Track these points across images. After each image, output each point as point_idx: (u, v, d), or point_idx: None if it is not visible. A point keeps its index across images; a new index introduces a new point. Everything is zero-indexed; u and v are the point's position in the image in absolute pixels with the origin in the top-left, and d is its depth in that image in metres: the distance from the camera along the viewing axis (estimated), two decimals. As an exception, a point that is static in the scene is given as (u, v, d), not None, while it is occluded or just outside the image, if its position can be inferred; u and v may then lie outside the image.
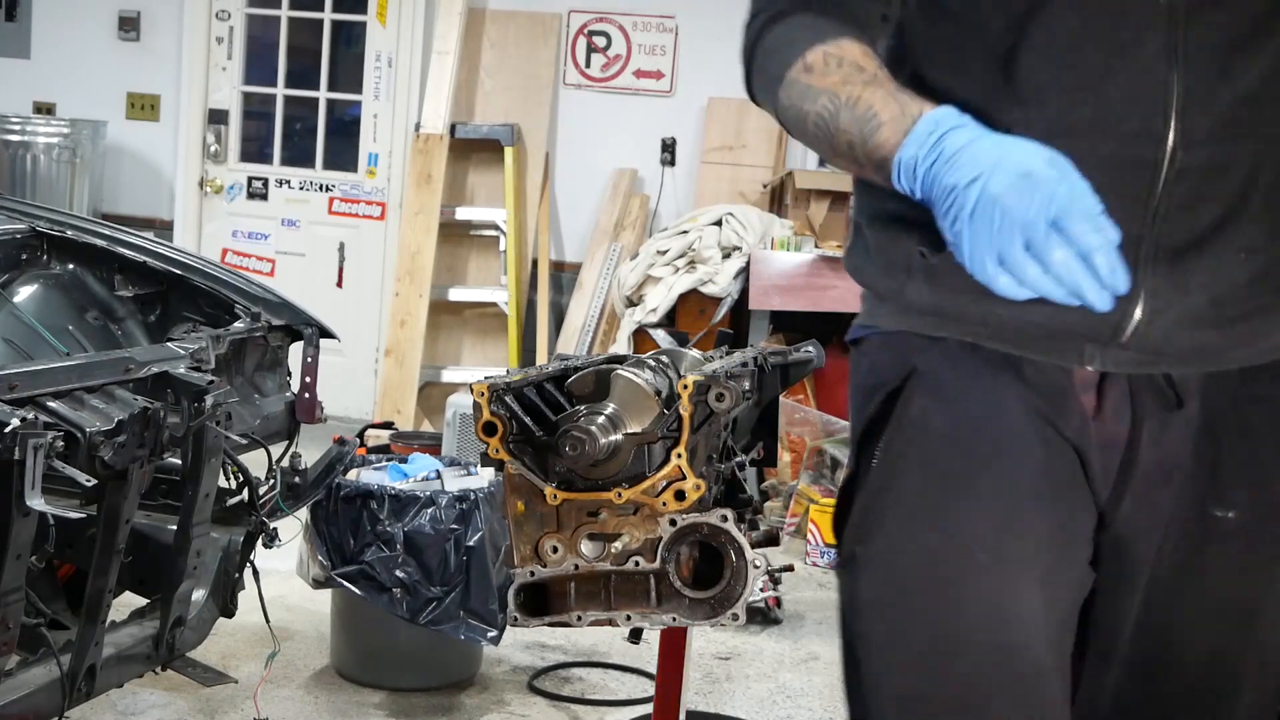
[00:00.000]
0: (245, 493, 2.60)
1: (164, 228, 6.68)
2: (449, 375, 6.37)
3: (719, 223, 5.73)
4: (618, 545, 1.74)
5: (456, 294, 6.42)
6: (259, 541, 2.67)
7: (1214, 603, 1.44)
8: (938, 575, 1.40)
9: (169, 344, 2.49)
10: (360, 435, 4.09)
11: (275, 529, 2.68)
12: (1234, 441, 1.42)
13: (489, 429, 1.73)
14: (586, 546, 1.76)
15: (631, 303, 5.76)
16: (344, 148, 6.71)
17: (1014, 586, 1.38)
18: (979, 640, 1.38)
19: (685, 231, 5.78)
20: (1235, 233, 1.35)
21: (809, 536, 4.88)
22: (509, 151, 6.26)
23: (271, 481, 2.68)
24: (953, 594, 1.39)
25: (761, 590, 4.13)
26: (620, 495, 1.72)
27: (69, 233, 2.93)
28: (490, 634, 3.20)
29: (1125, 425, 1.41)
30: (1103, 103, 1.33)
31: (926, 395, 1.44)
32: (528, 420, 1.74)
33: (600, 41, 6.44)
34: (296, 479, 2.82)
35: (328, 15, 6.65)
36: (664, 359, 1.86)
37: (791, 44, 1.45)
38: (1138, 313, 1.35)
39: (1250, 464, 1.43)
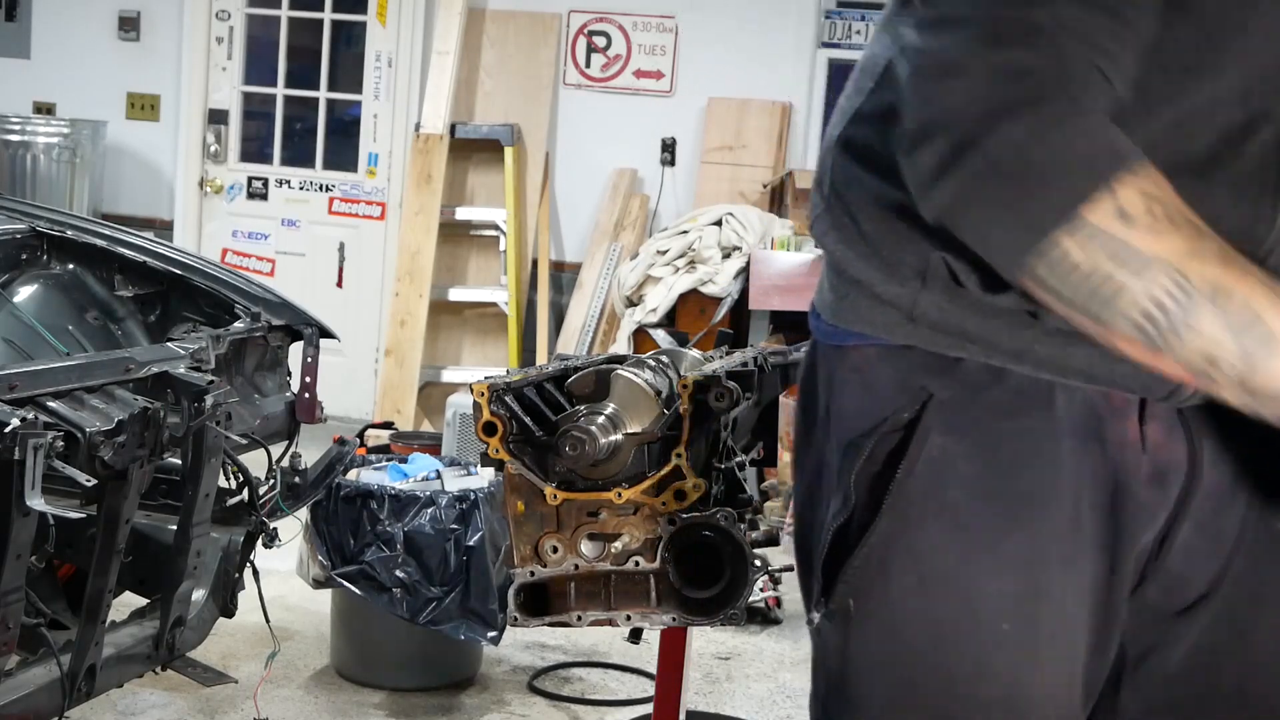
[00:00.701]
0: (245, 493, 2.60)
1: (164, 228, 6.68)
2: (449, 375, 6.37)
3: (719, 223, 5.73)
4: (618, 545, 1.75)
5: (456, 294, 6.42)
6: (259, 541, 2.67)
7: None
8: (955, 645, 1.25)
9: (169, 344, 2.49)
10: (360, 435, 4.09)
11: (275, 529, 2.68)
12: None
13: (489, 429, 1.73)
14: (586, 546, 1.76)
15: (631, 303, 5.76)
16: (344, 148, 6.71)
17: (1036, 662, 1.25)
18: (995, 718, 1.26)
19: (685, 231, 5.78)
20: None
21: (809, 536, 4.87)
22: (509, 151, 6.25)
23: (271, 481, 2.68)
24: (969, 668, 1.25)
25: (761, 590, 4.13)
26: (620, 495, 1.72)
27: (69, 233, 2.93)
28: (490, 634, 3.20)
29: (1183, 446, 1.25)
30: None
31: (947, 432, 1.23)
32: (528, 420, 1.74)
33: (600, 41, 6.45)
34: (296, 479, 2.82)
35: (328, 15, 6.65)
36: (664, 359, 1.86)
37: (1083, 160, 1.04)
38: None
39: None
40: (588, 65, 6.46)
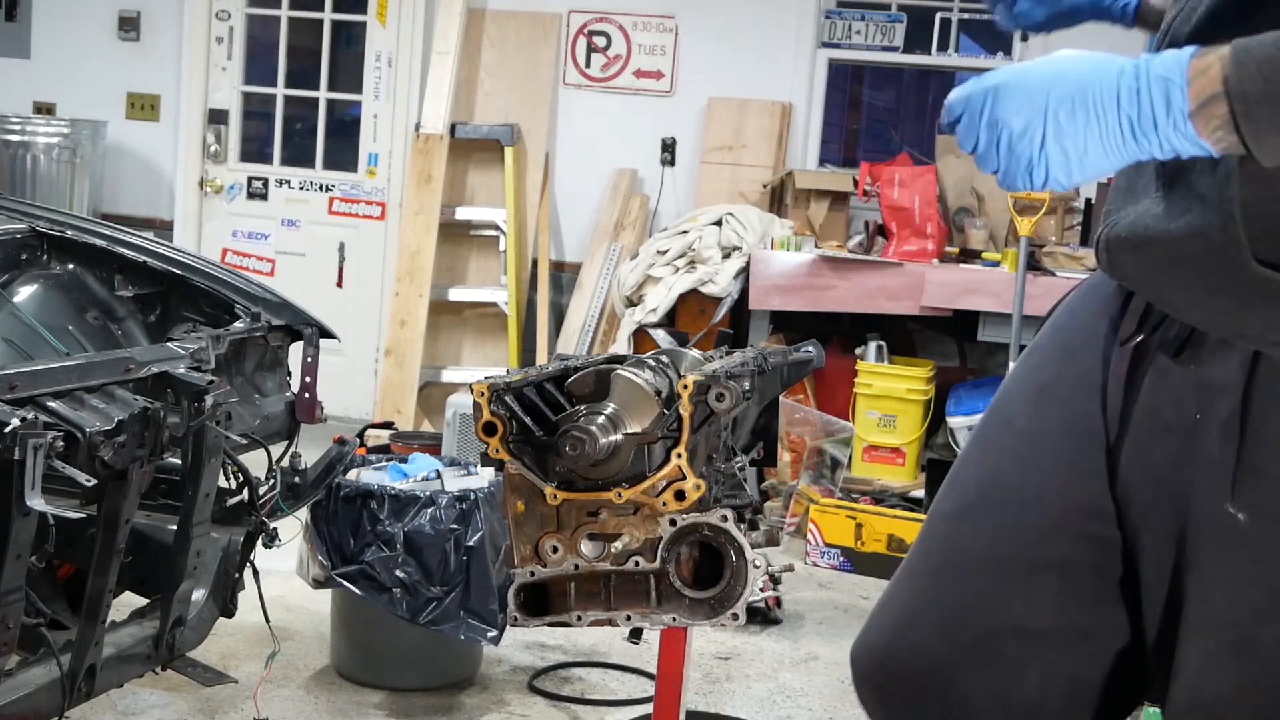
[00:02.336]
0: (245, 493, 2.60)
1: (164, 228, 6.68)
2: (449, 375, 6.37)
3: (719, 223, 5.73)
4: (618, 545, 1.75)
5: (456, 294, 6.42)
6: (259, 541, 2.67)
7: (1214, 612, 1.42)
8: (988, 431, 1.68)
9: (169, 344, 2.49)
10: (360, 435, 4.09)
11: (275, 529, 2.68)
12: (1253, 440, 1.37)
13: (489, 429, 1.73)
14: (586, 546, 1.76)
15: (631, 303, 5.76)
16: (344, 148, 6.71)
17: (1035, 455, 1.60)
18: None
19: (685, 231, 5.78)
20: None
21: (809, 536, 4.88)
22: (509, 151, 6.26)
23: (271, 481, 2.68)
24: (994, 444, 1.66)
25: (761, 590, 4.13)
26: (620, 495, 1.72)
27: (69, 233, 2.93)
28: (490, 634, 3.20)
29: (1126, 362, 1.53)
30: None
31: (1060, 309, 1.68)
32: (528, 420, 1.74)
33: (600, 41, 6.44)
34: (296, 479, 2.83)
35: (328, 15, 6.65)
36: (664, 359, 1.86)
37: None
38: None
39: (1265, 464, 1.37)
40: (588, 65, 6.46)
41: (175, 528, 2.44)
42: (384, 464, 3.49)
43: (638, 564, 1.75)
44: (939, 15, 6.21)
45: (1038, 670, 1.56)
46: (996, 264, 5.42)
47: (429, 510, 3.21)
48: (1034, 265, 5.27)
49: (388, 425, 5.01)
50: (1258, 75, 1.16)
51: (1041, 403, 1.61)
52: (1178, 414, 1.44)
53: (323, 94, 6.69)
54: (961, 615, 1.59)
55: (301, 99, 6.75)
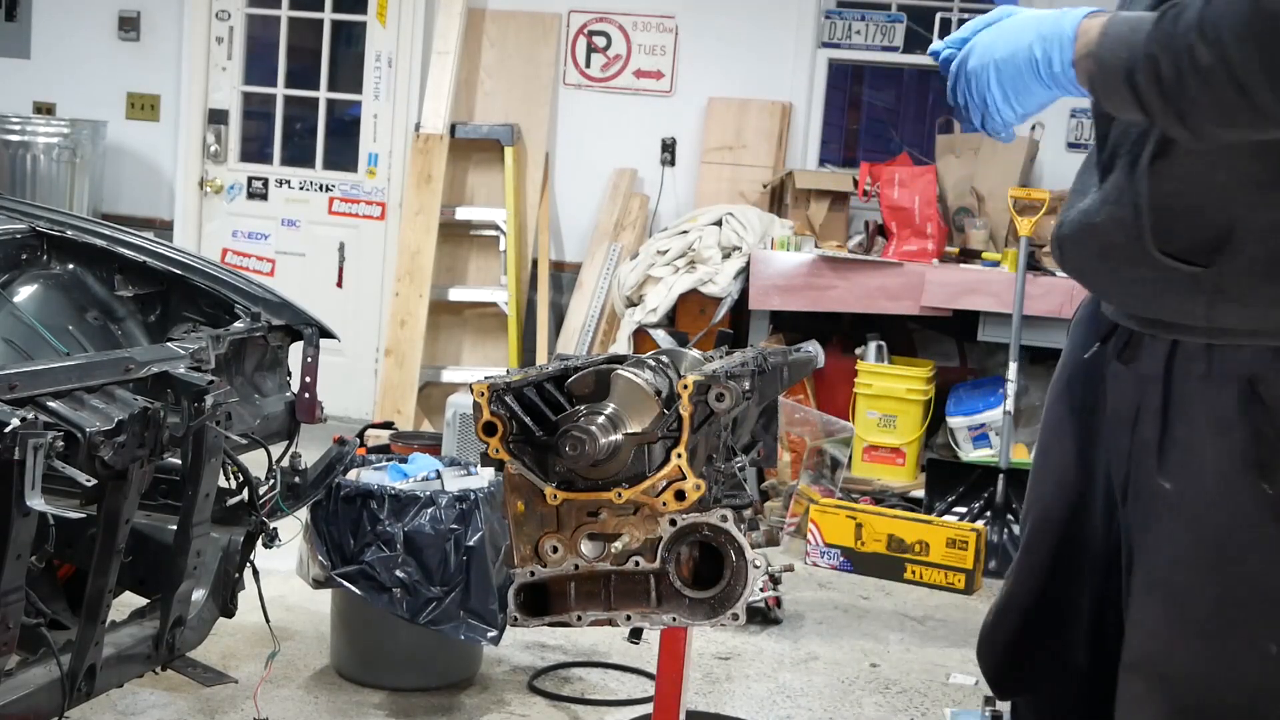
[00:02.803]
0: (245, 493, 2.60)
1: (164, 228, 6.68)
2: (449, 375, 6.37)
3: (719, 223, 5.73)
4: (618, 545, 1.75)
5: (456, 294, 6.42)
6: (259, 541, 2.67)
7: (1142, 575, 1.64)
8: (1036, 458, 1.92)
9: (169, 344, 2.49)
10: (360, 435, 4.09)
11: (275, 529, 2.68)
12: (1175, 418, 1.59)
13: (489, 429, 1.73)
14: (586, 546, 1.76)
15: (631, 303, 5.75)
16: (344, 148, 6.71)
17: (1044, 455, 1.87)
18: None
19: (685, 231, 5.78)
20: None
21: (809, 536, 4.88)
22: (509, 151, 6.26)
23: (271, 481, 2.68)
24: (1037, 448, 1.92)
25: (761, 590, 4.13)
26: (620, 495, 1.72)
27: (69, 233, 2.93)
28: (490, 634, 3.20)
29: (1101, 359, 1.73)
30: None
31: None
32: (528, 420, 1.74)
33: (600, 41, 6.44)
34: (296, 479, 2.83)
35: (328, 15, 6.65)
36: (664, 359, 1.86)
37: None
38: None
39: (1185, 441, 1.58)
40: (588, 65, 6.46)
41: (175, 528, 2.44)
42: (384, 464, 3.49)
43: (638, 564, 1.75)
44: (939, 15, 6.20)
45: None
46: (996, 264, 5.42)
47: (429, 510, 3.21)
48: (1034, 265, 5.26)
49: (388, 425, 5.00)
50: (1109, 46, 1.42)
51: (1047, 437, 1.88)
52: (1127, 408, 1.65)
53: (323, 94, 6.69)
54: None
55: (301, 99, 6.75)
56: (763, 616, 4.17)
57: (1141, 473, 1.61)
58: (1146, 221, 1.52)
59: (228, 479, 2.58)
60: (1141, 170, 1.52)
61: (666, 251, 5.73)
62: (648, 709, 3.00)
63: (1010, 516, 4.99)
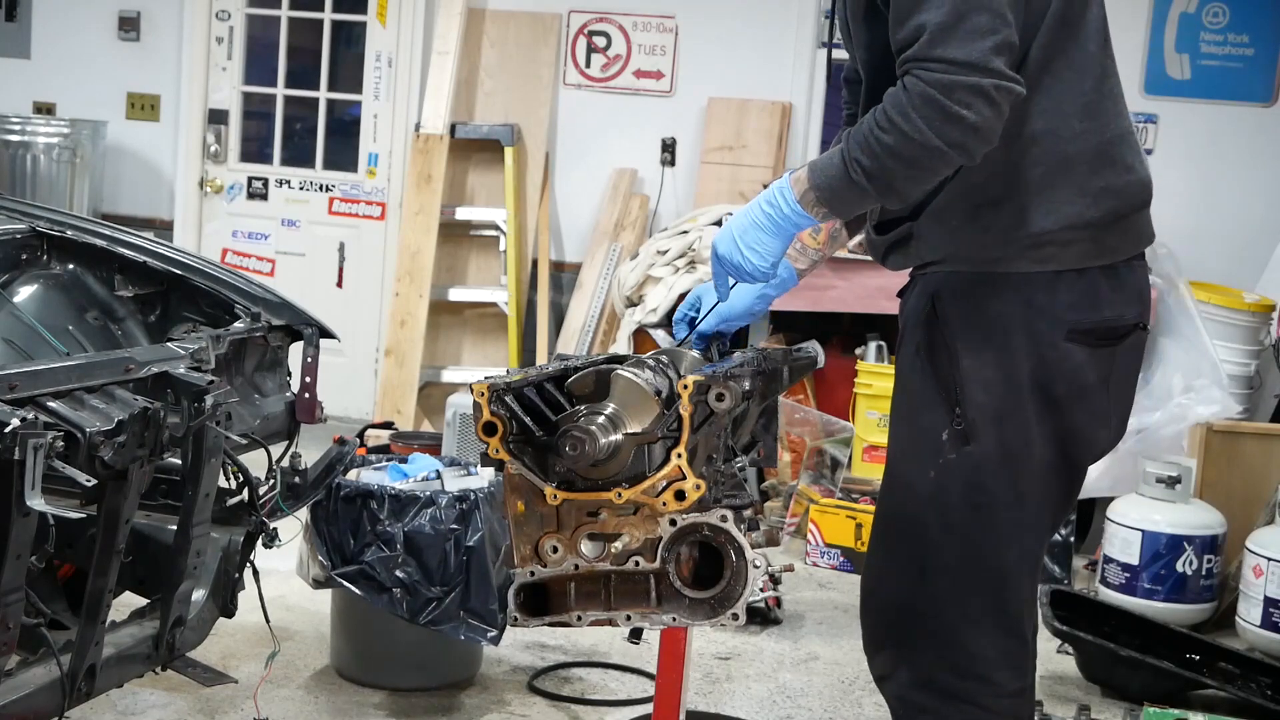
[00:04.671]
0: (245, 493, 2.60)
1: (164, 228, 6.68)
2: (449, 375, 6.37)
3: (719, 223, 5.73)
4: (618, 545, 1.75)
5: (456, 294, 6.42)
6: (259, 541, 2.67)
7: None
8: None
9: (169, 344, 2.49)
10: (360, 435, 4.09)
11: (275, 529, 2.68)
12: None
13: (489, 429, 1.73)
14: (586, 546, 1.76)
15: (631, 303, 5.75)
16: (344, 148, 6.71)
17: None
18: None
19: (685, 231, 5.78)
20: None
21: (809, 536, 4.88)
22: (509, 151, 6.26)
23: (271, 481, 2.68)
24: None
25: (761, 590, 4.13)
26: (620, 495, 1.72)
27: (69, 233, 2.93)
28: (490, 634, 3.20)
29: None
30: None
31: None
32: (528, 420, 1.74)
33: (600, 41, 6.45)
34: (296, 479, 2.82)
35: (328, 15, 6.65)
36: (664, 359, 1.86)
37: None
38: None
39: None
40: (588, 65, 6.46)
41: (175, 528, 2.44)
42: (384, 464, 3.49)
43: (638, 564, 1.75)
44: (939, 15, 6.20)
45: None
46: (996, 264, 5.41)
47: (429, 510, 3.21)
48: (1034, 265, 5.25)
49: (388, 425, 5.00)
50: (819, 175, 1.92)
51: None
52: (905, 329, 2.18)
53: (323, 94, 6.69)
54: None
55: (301, 99, 6.75)
56: (763, 616, 4.17)
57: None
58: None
59: (228, 479, 2.57)
60: None
61: (666, 251, 5.73)
62: (648, 709, 3.00)
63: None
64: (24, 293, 2.87)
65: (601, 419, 1.69)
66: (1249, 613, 4.06)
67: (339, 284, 6.67)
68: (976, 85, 1.78)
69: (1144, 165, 2.06)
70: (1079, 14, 1.98)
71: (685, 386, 1.70)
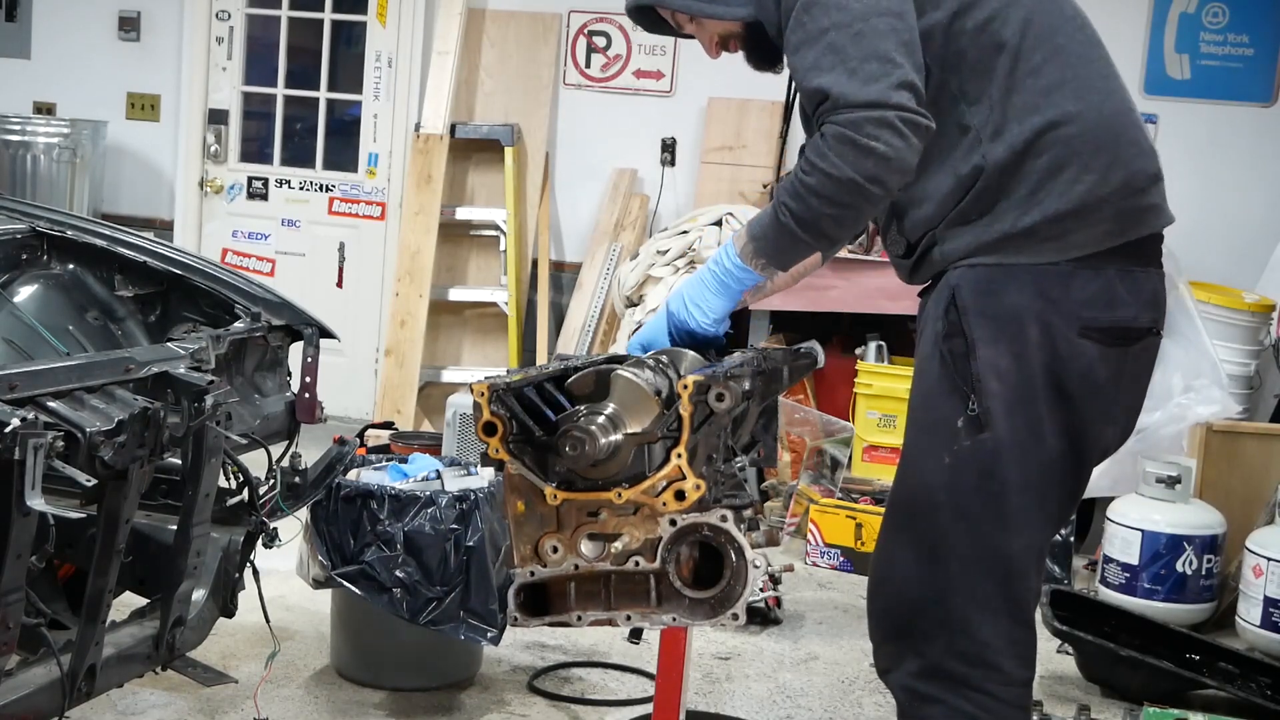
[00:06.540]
0: (245, 493, 2.60)
1: (164, 228, 6.68)
2: (449, 375, 6.37)
3: (719, 223, 5.73)
4: (618, 545, 1.74)
5: (456, 294, 6.42)
6: (259, 541, 2.67)
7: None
8: None
9: (169, 344, 2.49)
10: (360, 435, 4.09)
11: (275, 529, 2.68)
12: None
13: (489, 429, 1.73)
14: (586, 546, 1.76)
15: (631, 303, 5.75)
16: (344, 148, 6.71)
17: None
18: None
19: (685, 231, 5.78)
20: None
21: (809, 536, 4.88)
22: (509, 151, 6.26)
23: (271, 481, 2.68)
24: None
25: (761, 590, 4.13)
26: (620, 495, 1.72)
27: (69, 233, 2.93)
28: (490, 634, 3.20)
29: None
30: None
31: None
32: (528, 420, 1.74)
33: (600, 41, 6.45)
34: (296, 479, 2.82)
35: (328, 15, 6.65)
36: (664, 359, 1.86)
37: None
38: None
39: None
40: (588, 65, 6.46)
41: (175, 528, 2.44)
42: (384, 464, 3.49)
43: (638, 564, 1.75)
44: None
45: None
46: (996, 264, 5.41)
47: (429, 510, 3.21)
48: (1034, 265, 5.26)
49: (388, 425, 5.00)
50: (756, 229, 2.06)
51: None
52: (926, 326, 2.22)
53: (323, 94, 6.69)
54: None
55: (301, 99, 6.75)
56: (763, 616, 4.17)
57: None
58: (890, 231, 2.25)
59: (228, 479, 2.57)
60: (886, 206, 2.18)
61: (667, 251, 5.73)
62: (648, 709, 3.00)
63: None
64: (24, 293, 2.87)
65: (601, 419, 1.69)
66: (1249, 613, 4.06)
67: (339, 284, 6.67)
68: (881, 118, 1.92)
69: (1147, 139, 2.13)
70: (1025, 16, 2.07)
71: (685, 386, 1.70)
